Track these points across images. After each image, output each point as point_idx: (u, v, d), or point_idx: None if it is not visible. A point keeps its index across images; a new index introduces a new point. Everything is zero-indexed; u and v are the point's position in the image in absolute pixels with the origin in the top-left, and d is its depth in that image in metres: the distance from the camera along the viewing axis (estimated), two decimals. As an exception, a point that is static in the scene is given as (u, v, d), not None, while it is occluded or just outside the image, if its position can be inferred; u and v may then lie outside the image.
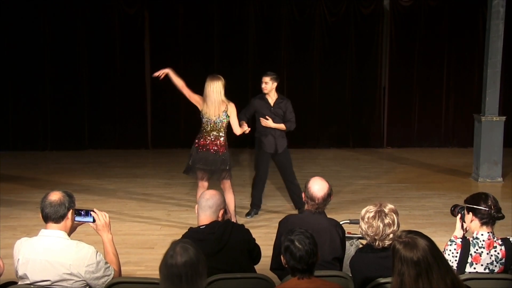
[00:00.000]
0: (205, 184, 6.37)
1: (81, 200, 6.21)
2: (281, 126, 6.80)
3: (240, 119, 6.54)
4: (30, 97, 10.70)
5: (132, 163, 9.87)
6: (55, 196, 3.35)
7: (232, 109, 6.26)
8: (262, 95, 6.84)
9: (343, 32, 10.86)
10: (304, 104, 10.43)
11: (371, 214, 3.37)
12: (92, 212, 3.51)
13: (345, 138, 11.16)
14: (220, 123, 6.27)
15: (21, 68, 10.56)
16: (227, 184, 6.46)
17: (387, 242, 3.35)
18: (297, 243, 2.99)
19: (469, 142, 9.82)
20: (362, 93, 11.10)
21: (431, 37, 10.87)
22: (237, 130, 6.34)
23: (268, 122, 6.72)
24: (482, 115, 8.57)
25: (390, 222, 3.35)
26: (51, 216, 3.32)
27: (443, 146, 11.10)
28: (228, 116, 6.25)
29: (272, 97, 6.81)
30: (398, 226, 3.40)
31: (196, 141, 6.39)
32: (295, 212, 6.87)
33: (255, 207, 7.09)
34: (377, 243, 3.37)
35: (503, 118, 8.56)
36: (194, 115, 10.83)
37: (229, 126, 6.32)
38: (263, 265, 4.02)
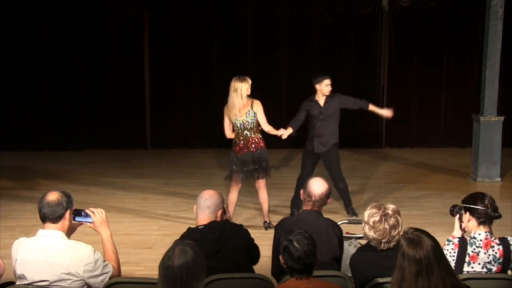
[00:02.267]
0: (239, 185, 6.46)
1: (79, 200, 6.22)
2: (371, 107, 7.03)
3: (291, 125, 6.68)
4: (29, 97, 10.69)
5: (131, 163, 9.87)
6: (53, 196, 3.35)
7: (257, 106, 6.28)
8: (311, 98, 6.86)
9: (342, 32, 10.86)
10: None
11: (377, 218, 3.34)
12: (87, 211, 3.51)
13: (343, 138, 11.11)
14: (250, 122, 6.28)
15: (20, 68, 10.56)
16: (261, 183, 6.46)
17: (392, 244, 3.34)
18: (295, 243, 2.99)
19: (467, 142, 9.82)
20: (361, 93, 11.05)
21: (430, 37, 10.87)
22: (266, 126, 6.36)
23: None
24: (480, 115, 8.57)
25: (395, 223, 3.35)
26: (48, 216, 3.32)
27: (442, 146, 11.09)
28: (256, 114, 6.27)
29: (321, 98, 6.82)
30: (401, 226, 3.40)
31: (233, 146, 6.40)
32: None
33: (295, 207, 6.95)
34: (382, 245, 3.36)
35: (502, 118, 8.57)
36: (193, 115, 10.97)
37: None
38: (262, 265, 4.02)
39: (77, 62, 10.69)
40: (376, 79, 11.06)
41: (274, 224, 3.95)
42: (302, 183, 6.83)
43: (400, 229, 3.36)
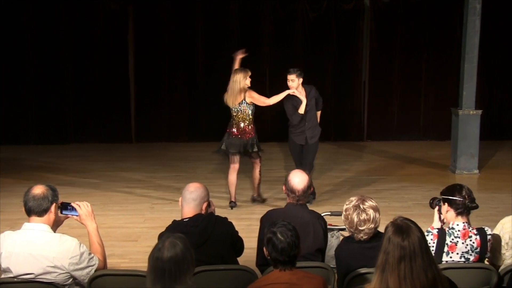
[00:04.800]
0: (236, 166, 6.99)
1: (65, 194, 6.17)
2: (318, 115, 7.12)
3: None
4: (14, 91, 10.60)
5: (116, 157, 9.87)
6: (38, 189, 3.37)
7: (249, 94, 6.74)
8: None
9: (324, 27, 10.92)
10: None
11: (350, 206, 3.45)
12: (73, 204, 3.53)
13: (326, 131, 11.20)
14: (242, 112, 6.77)
15: (4, 62, 10.45)
16: (256, 161, 7.06)
17: (363, 236, 3.41)
18: (279, 235, 3.02)
19: (447, 135, 9.95)
20: (343, 87, 11.18)
21: (410, 32, 10.98)
22: (270, 101, 6.87)
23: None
24: (459, 108, 8.70)
25: (366, 218, 3.38)
26: (34, 210, 3.35)
27: (422, 139, 11.21)
28: (249, 104, 6.76)
29: (301, 92, 6.86)
30: (376, 223, 3.41)
31: (228, 128, 6.89)
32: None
33: None
34: (354, 234, 3.44)
35: (480, 111, 8.69)
36: (177, 109, 10.96)
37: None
38: (247, 257, 4.08)
39: (62, 57, 10.63)
40: (357, 73, 11.15)
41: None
42: None
43: (371, 225, 3.38)
